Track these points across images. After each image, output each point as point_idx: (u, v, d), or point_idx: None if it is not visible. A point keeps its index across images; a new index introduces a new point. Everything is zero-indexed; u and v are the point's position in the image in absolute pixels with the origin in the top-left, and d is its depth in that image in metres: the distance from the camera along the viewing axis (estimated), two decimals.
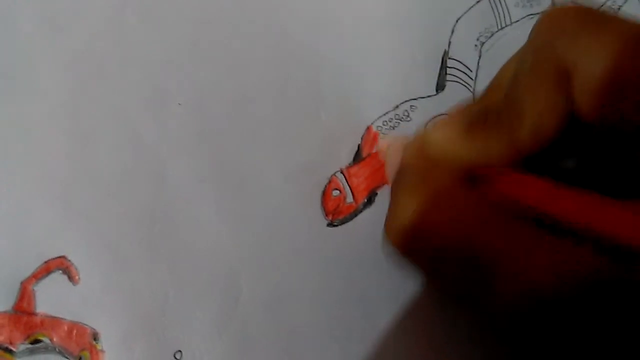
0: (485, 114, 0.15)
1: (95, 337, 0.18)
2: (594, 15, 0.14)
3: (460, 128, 0.15)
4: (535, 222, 0.13)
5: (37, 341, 0.18)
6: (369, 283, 0.21)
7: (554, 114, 0.14)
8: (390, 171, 0.18)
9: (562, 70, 0.13)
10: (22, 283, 0.18)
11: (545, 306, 0.13)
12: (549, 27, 0.14)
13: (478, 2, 0.21)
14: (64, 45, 0.19)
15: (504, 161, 0.15)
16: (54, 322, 0.18)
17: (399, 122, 0.21)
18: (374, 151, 0.21)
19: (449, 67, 0.21)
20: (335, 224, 0.21)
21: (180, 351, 0.19)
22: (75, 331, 0.18)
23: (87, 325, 0.18)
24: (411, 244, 0.15)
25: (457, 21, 0.21)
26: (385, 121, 0.21)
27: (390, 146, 0.20)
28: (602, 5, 0.24)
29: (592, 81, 0.13)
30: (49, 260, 0.18)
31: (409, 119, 0.21)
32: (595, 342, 0.13)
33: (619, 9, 0.24)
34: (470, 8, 0.21)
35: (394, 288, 0.21)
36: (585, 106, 0.13)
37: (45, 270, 0.18)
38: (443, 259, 0.14)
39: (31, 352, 0.18)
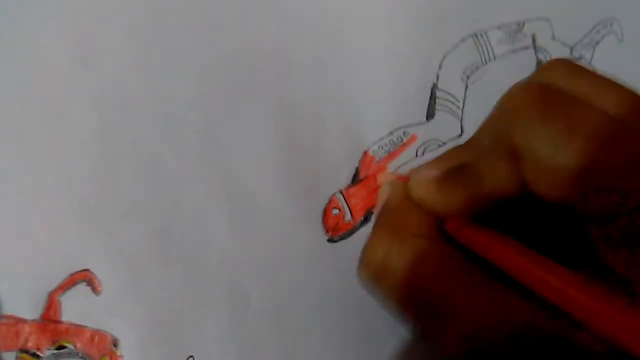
0: (458, 166, 0.16)
1: (115, 343, 0.20)
2: (554, 102, 0.14)
3: (436, 177, 0.16)
4: (488, 273, 0.14)
5: (62, 347, 0.20)
6: (366, 293, 0.22)
7: (509, 184, 0.15)
8: (378, 206, 0.19)
9: (514, 151, 0.14)
10: (49, 294, 0.20)
11: (482, 353, 0.14)
12: (509, 107, 0.15)
13: (463, 40, 0.23)
14: (93, 82, 0.20)
15: (465, 212, 0.16)
16: (77, 329, 0.20)
17: (393, 147, 0.23)
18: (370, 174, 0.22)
19: (438, 98, 0.23)
20: (335, 240, 0.22)
21: (192, 356, 0.20)
22: (97, 338, 0.20)
23: (107, 332, 0.20)
24: (377, 282, 0.16)
25: (444, 57, 0.23)
26: (381, 146, 0.23)
27: (385, 184, 0.21)
28: (581, 40, 0.26)
29: (542, 167, 0.14)
30: (74, 273, 0.20)
31: (402, 143, 0.23)
32: None
33: (597, 44, 0.26)
34: (456, 45, 0.23)
35: None
36: (535, 186, 0.14)
37: (71, 282, 0.20)
38: (405, 301, 0.15)
39: (56, 357, 0.19)
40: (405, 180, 0.18)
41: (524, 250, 0.15)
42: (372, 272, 0.17)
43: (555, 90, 0.14)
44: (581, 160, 0.13)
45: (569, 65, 0.15)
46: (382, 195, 0.18)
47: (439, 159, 0.17)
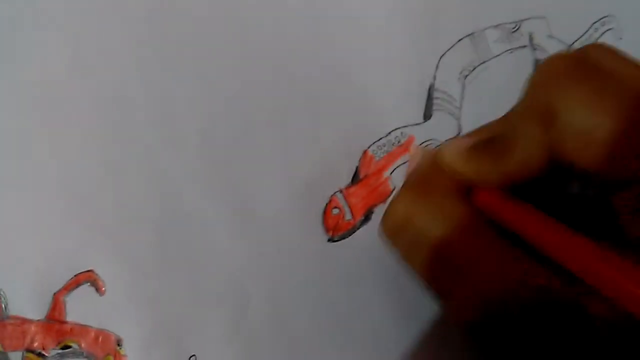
0: (488, 139, 0.17)
1: (119, 342, 0.20)
2: (591, 68, 0.14)
3: (468, 147, 0.17)
4: (508, 237, 0.15)
5: (67, 347, 0.20)
6: (366, 293, 0.22)
7: (540, 150, 0.15)
8: (409, 170, 0.19)
9: (548, 112, 0.14)
10: (54, 295, 0.20)
11: (495, 316, 0.14)
12: (545, 72, 0.15)
13: (460, 40, 0.24)
14: (94, 85, 0.21)
15: (495, 184, 0.16)
16: (82, 329, 0.20)
17: (391, 147, 0.23)
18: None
19: (435, 98, 0.23)
20: (335, 239, 0.22)
21: (194, 355, 0.21)
22: (101, 337, 0.20)
23: (111, 332, 0.20)
24: (396, 237, 0.17)
25: (441, 57, 0.23)
26: (380, 146, 0.23)
27: (416, 152, 0.21)
28: (580, 38, 0.26)
29: (573, 128, 0.14)
30: (78, 274, 0.20)
31: (400, 143, 0.23)
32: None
33: (595, 41, 0.26)
34: (452, 45, 0.23)
35: (390, 297, 0.22)
36: (567, 151, 0.14)
37: (75, 283, 0.20)
38: (425, 258, 0.16)
39: (62, 356, 0.20)
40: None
41: (546, 219, 0.15)
42: (393, 226, 0.17)
43: (592, 60, 0.15)
44: (616, 124, 0.13)
45: (604, 46, 0.16)
46: (413, 162, 0.19)
47: (472, 132, 0.18)
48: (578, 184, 0.16)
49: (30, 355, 0.20)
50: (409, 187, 0.17)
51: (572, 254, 0.14)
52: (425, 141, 0.23)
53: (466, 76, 0.24)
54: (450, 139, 0.17)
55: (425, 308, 0.23)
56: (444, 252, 0.15)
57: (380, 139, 0.23)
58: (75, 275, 0.20)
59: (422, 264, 0.16)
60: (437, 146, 0.18)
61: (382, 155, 0.23)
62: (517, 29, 0.24)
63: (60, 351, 0.20)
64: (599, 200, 0.15)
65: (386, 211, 0.17)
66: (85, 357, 0.20)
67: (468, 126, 0.23)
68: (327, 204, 0.22)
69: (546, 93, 0.15)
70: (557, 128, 0.14)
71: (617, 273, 0.13)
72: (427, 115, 0.23)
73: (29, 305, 0.20)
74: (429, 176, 0.17)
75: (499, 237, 0.15)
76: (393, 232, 0.17)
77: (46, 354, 0.20)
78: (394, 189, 0.23)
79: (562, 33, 0.25)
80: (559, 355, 0.13)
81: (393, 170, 0.23)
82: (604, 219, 0.15)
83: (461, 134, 0.24)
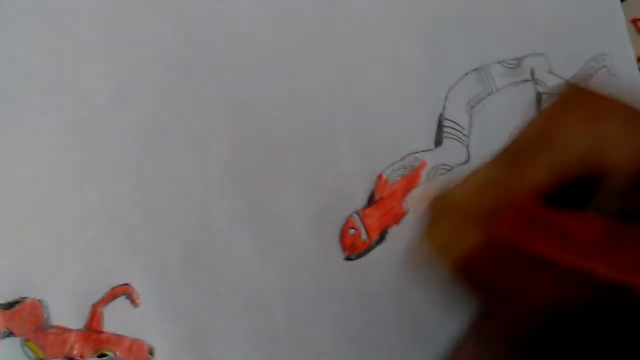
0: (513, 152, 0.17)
1: (151, 351, 0.22)
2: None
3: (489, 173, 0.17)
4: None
5: (103, 355, 0.21)
6: (380, 308, 0.24)
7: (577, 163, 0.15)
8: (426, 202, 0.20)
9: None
10: (92, 306, 0.21)
11: (550, 319, 0.15)
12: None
13: (467, 74, 0.26)
14: (130, 116, 0.23)
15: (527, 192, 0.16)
16: (117, 339, 0.21)
17: (405, 171, 0.25)
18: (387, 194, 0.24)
19: (445, 127, 0.25)
20: (352, 258, 0.24)
21: None
22: (134, 346, 0.21)
23: (144, 341, 0.22)
24: (440, 257, 0.17)
25: (449, 89, 0.25)
26: (394, 170, 0.25)
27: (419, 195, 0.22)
28: (576, 73, 0.28)
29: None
30: (115, 287, 0.22)
31: (413, 168, 0.25)
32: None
33: (590, 77, 0.28)
34: (460, 79, 0.25)
35: (401, 312, 0.24)
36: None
37: (112, 295, 0.22)
38: (468, 277, 0.17)
39: None
40: None
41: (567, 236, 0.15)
42: (437, 247, 0.17)
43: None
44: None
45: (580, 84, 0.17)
46: (426, 197, 0.19)
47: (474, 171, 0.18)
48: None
49: None
50: (448, 211, 0.17)
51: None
52: (437, 166, 0.25)
53: (473, 107, 0.26)
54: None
55: (433, 322, 0.24)
56: (484, 269, 0.16)
57: (394, 163, 0.25)
58: (112, 289, 0.22)
59: (465, 278, 0.17)
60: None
61: (396, 179, 0.25)
62: (520, 64, 0.26)
63: (97, 359, 0.21)
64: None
65: (429, 232, 0.18)
66: None
67: (476, 152, 0.25)
68: (344, 225, 0.24)
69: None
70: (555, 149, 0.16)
71: None
72: (438, 142, 0.25)
73: (69, 316, 0.21)
74: (466, 200, 0.17)
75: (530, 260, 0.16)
76: (440, 251, 0.17)
77: None
78: (407, 211, 0.24)
79: (561, 69, 0.27)
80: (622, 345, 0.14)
81: (406, 193, 0.25)
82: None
83: (470, 160, 0.25)
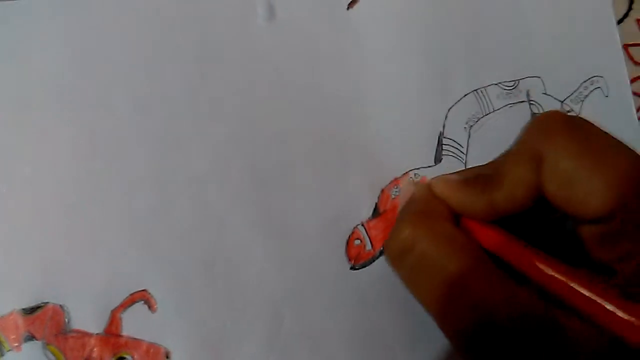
0: (477, 175, 0.18)
1: (167, 355, 0.22)
2: (581, 130, 0.16)
3: (457, 179, 0.18)
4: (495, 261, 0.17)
5: (121, 358, 0.22)
6: (384, 316, 0.25)
7: (525, 188, 0.17)
8: (402, 202, 0.21)
9: (537, 156, 0.16)
10: (112, 311, 0.22)
11: (484, 332, 0.15)
12: (539, 123, 0.17)
13: (465, 95, 0.27)
14: (150, 126, 0.24)
15: (483, 215, 0.18)
16: (135, 343, 0.22)
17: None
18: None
19: (444, 145, 0.27)
20: (357, 267, 0.25)
21: None
22: (152, 350, 0.22)
23: (161, 345, 0.22)
24: (400, 259, 0.18)
25: (449, 110, 0.27)
26: (395, 185, 0.26)
27: (407, 184, 0.23)
28: (570, 95, 0.29)
29: (557, 173, 0.16)
30: (133, 293, 0.23)
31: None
32: None
33: (585, 98, 0.30)
34: (459, 100, 0.27)
35: (404, 319, 0.25)
36: (549, 188, 0.16)
37: (130, 301, 0.23)
38: (425, 277, 0.17)
39: None
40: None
41: (526, 247, 0.16)
42: (397, 249, 0.18)
43: (583, 123, 0.17)
44: (608, 198, 0.15)
45: (588, 121, 0.18)
46: (406, 193, 0.20)
47: (462, 170, 0.19)
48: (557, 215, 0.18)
49: None
50: (409, 214, 0.19)
51: (549, 277, 0.16)
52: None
53: (471, 126, 0.27)
54: (444, 174, 0.20)
55: (434, 329, 0.25)
56: (441, 267, 0.17)
57: (396, 179, 0.26)
58: (130, 294, 0.23)
59: (430, 291, 0.17)
60: (431, 178, 0.20)
61: (397, 194, 0.26)
62: (516, 86, 0.28)
63: None
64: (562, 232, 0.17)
65: (390, 236, 0.19)
66: None
67: None
68: (350, 236, 0.25)
69: (538, 140, 0.17)
70: (543, 170, 0.17)
71: (589, 292, 0.15)
72: (437, 159, 0.26)
73: (89, 320, 0.22)
74: (426, 203, 0.19)
75: (489, 259, 0.17)
76: (397, 256, 0.18)
77: None
78: None
79: (556, 90, 0.28)
80: None
81: None
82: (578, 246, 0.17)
83: None
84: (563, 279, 0.15)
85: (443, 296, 0.16)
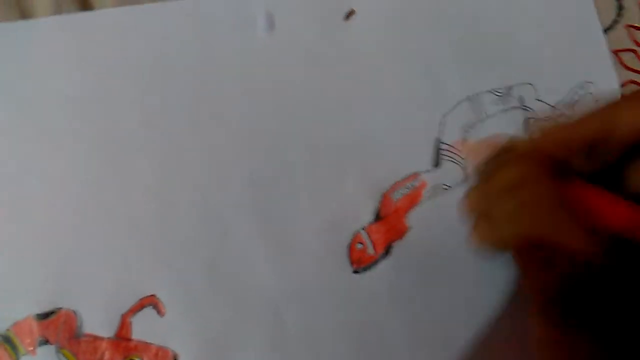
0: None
1: (175, 358, 0.23)
2: None
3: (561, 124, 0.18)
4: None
5: None
6: (386, 319, 0.25)
7: None
8: (469, 163, 0.20)
9: None
10: (122, 315, 0.23)
11: (571, 292, 0.15)
12: None
13: (460, 102, 0.28)
14: (155, 136, 0.25)
15: (596, 136, 0.17)
16: (145, 346, 0.23)
17: (407, 190, 0.27)
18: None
19: (442, 149, 0.27)
20: (359, 271, 0.25)
21: None
22: (160, 353, 0.23)
23: (169, 348, 0.23)
24: (506, 193, 0.17)
25: (444, 116, 0.27)
26: (397, 189, 0.27)
27: (475, 146, 0.23)
28: (561, 100, 0.30)
29: None
30: (142, 298, 0.23)
31: (414, 187, 0.27)
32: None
33: (575, 102, 0.30)
34: (454, 106, 0.28)
35: (404, 322, 0.25)
36: None
37: (140, 305, 0.23)
38: (515, 240, 0.16)
39: None
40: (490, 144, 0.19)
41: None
42: (507, 184, 0.17)
43: None
44: None
45: None
46: (475, 154, 0.20)
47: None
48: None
49: None
50: (515, 158, 0.18)
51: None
52: (437, 185, 0.27)
53: (467, 131, 0.28)
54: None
55: (435, 330, 0.25)
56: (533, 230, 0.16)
57: (397, 183, 0.27)
58: (140, 299, 0.23)
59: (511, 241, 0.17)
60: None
61: (398, 197, 0.27)
62: (509, 92, 0.29)
63: None
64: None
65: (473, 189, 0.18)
66: None
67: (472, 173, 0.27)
68: (352, 240, 0.25)
69: None
70: None
71: None
72: (436, 164, 0.27)
73: (100, 325, 0.23)
74: (525, 149, 0.18)
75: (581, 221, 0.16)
76: (506, 190, 0.17)
77: None
78: (409, 227, 0.26)
79: (547, 96, 0.29)
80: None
81: (408, 211, 0.27)
82: None
83: (468, 179, 0.27)
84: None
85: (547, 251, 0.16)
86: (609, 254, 0.15)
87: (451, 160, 0.27)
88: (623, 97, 0.18)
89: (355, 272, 0.25)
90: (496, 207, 0.18)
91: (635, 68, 0.30)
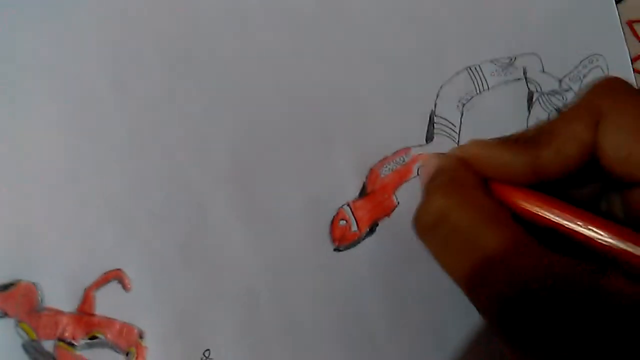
0: (518, 137, 0.18)
1: (141, 335, 0.22)
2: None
3: (495, 140, 0.18)
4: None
5: (94, 337, 0.22)
6: (367, 299, 0.24)
7: (578, 145, 0.16)
8: (424, 175, 0.20)
9: (597, 112, 0.16)
10: (85, 289, 0.22)
11: (520, 303, 0.15)
12: (601, 83, 0.17)
13: (458, 72, 0.26)
14: (127, 103, 0.23)
15: (522, 177, 0.17)
16: (108, 322, 0.22)
17: (396, 165, 0.25)
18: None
19: (436, 123, 0.26)
20: (341, 249, 0.24)
21: (209, 349, 0.22)
22: (125, 330, 0.22)
23: (135, 325, 0.22)
24: (432, 232, 0.17)
25: (441, 87, 0.26)
26: (386, 164, 0.25)
27: (429, 158, 0.22)
28: (569, 73, 0.28)
29: (617, 130, 0.15)
30: (107, 271, 0.22)
31: (404, 163, 0.25)
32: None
33: (584, 77, 0.28)
34: (452, 77, 0.26)
35: (388, 304, 0.24)
36: (603, 149, 0.16)
37: (104, 279, 0.22)
38: (459, 250, 0.16)
39: (89, 346, 0.22)
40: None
41: (567, 204, 0.16)
42: (428, 221, 0.17)
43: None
44: None
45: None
46: (428, 166, 0.19)
47: (501, 137, 0.18)
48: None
49: (62, 344, 0.21)
50: (439, 184, 0.18)
51: (593, 232, 0.15)
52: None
53: (464, 104, 0.26)
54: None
55: (420, 313, 0.24)
56: (494, 260, 0.15)
57: (386, 157, 0.25)
58: (105, 273, 0.22)
59: (463, 265, 0.16)
60: (459, 145, 0.19)
61: (387, 173, 0.25)
62: (512, 63, 0.27)
63: (88, 341, 0.22)
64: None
65: (419, 209, 0.18)
66: (111, 347, 0.22)
67: None
68: (334, 216, 0.24)
69: (600, 97, 0.16)
70: (601, 127, 0.16)
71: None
72: (429, 138, 0.25)
73: (62, 298, 0.22)
74: (455, 172, 0.18)
75: (522, 228, 0.16)
76: (428, 228, 0.17)
77: (76, 343, 0.22)
78: (398, 204, 0.25)
79: (554, 68, 0.27)
80: (583, 336, 0.14)
81: (398, 187, 0.25)
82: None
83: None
84: (615, 237, 0.15)
85: (477, 271, 0.16)
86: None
87: (446, 136, 0.26)
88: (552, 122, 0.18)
89: (337, 249, 0.24)
90: (427, 242, 0.18)
91: None
